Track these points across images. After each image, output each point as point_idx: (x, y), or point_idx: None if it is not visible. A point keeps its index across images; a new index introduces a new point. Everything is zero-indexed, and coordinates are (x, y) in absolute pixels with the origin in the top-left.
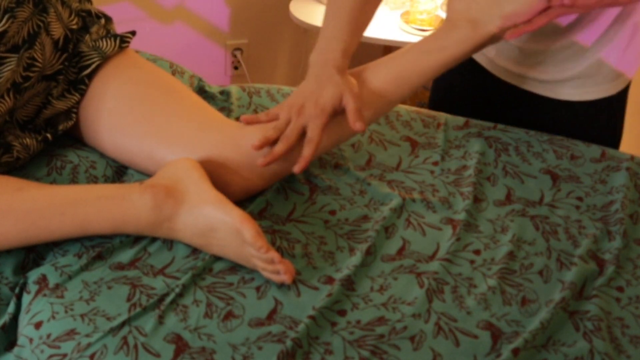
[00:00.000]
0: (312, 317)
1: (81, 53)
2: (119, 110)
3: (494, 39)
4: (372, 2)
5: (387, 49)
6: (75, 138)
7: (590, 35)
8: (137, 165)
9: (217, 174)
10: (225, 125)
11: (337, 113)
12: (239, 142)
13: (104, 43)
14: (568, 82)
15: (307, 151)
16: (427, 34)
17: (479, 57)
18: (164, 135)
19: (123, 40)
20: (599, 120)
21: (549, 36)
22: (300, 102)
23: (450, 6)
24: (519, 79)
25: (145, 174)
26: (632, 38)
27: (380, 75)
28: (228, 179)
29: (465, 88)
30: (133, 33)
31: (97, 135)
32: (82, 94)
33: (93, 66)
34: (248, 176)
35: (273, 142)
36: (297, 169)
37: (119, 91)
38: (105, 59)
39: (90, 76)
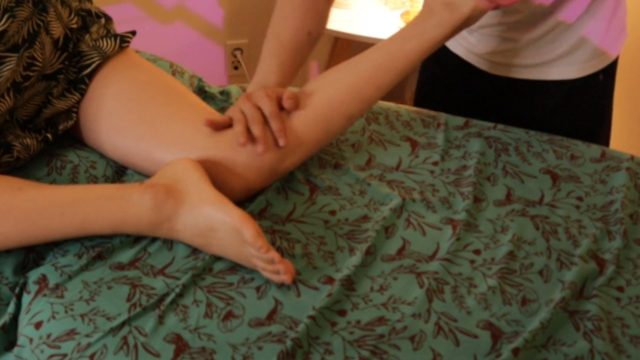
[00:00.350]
0: (312, 317)
1: (81, 53)
2: (118, 112)
3: (470, 19)
4: (307, 46)
5: None
6: (75, 138)
7: (574, 12)
8: (136, 166)
9: (216, 175)
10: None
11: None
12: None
13: (104, 43)
14: (553, 62)
15: (276, 125)
16: None
17: (467, 56)
18: (162, 136)
19: (123, 40)
20: (585, 99)
21: (535, 20)
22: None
23: None
24: (506, 69)
25: (144, 175)
26: (613, 14)
27: (366, 65)
28: (227, 180)
29: (451, 83)
30: (133, 33)
31: (96, 136)
32: (82, 93)
33: (93, 66)
34: (247, 176)
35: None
36: (281, 142)
37: (119, 92)
38: (105, 58)
39: (90, 76)
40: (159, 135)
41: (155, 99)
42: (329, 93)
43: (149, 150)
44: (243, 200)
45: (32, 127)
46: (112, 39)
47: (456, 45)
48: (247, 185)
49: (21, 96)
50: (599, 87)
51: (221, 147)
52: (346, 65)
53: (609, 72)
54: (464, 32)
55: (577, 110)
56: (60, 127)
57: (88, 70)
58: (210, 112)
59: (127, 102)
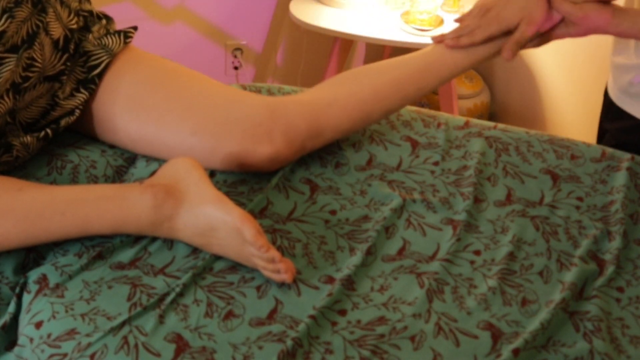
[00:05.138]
0: (312, 317)
1: (88, 52)
2: (139, 95)
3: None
4: None
5: (386, 49)
6: (78, 134)
7: None
8: (157, 149)
9: (249, 141)
10: (258, 97)
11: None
12: (275, 109)
13: (109, 40)
14: None
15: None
16: (427, 34)
17: None
18: (195, 109)
19: (126, 36)
20: None
21: None
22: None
23: None
24: None
25: (159, 160)
26: None
27: (415, 63)
28: (258, 146)
29: None
30: (135, 28)
31: (110, 125)
32: (91, 92)
33: (103, 65)
34: (279, 144)
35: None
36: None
37: (136, 78)
38: (113, 56)
39: (100, 75)
40: (191, 109)
41: (177, 79)
42: (375, 87)
43: (178, 126)
44: (268, 171)
45: (35, 129)
46: (116, 35)
47: None
48: (277, 153)
49: (21, 97)
50: None
51: (257, 114)
52: (396, 60)
53: None
54: None
55: None
56: (62, 123)
57: (98, 70)
58: (234, 89)
59: (148, 85)
